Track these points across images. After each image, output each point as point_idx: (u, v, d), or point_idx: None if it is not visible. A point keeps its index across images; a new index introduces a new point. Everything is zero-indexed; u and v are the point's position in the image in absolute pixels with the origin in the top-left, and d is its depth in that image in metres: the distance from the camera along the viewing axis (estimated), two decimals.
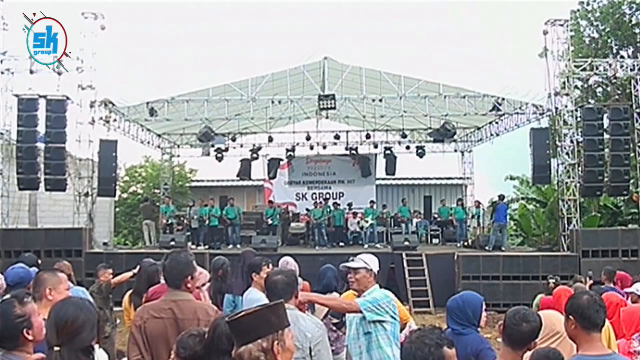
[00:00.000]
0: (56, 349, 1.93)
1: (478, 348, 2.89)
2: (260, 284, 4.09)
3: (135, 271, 5.98)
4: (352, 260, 3.66)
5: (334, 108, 13.69)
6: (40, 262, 6.20)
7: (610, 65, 13.20)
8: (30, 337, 2.26)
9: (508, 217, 16.76)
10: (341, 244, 15.50)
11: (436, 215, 17.93)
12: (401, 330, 4.28)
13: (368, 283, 3.54)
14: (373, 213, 15.54)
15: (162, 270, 3.00)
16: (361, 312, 3.39)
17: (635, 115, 12.88)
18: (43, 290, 2.96)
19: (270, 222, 15.47)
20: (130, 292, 5.25)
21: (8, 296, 3.54)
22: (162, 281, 4.30)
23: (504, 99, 13.89)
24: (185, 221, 15.55)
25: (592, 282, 7.23)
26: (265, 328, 1.81)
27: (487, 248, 13.48)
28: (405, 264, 12.27)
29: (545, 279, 9.68)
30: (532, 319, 2.58)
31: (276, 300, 3.00)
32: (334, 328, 4.15)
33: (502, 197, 14.60)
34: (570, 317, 2.54)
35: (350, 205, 17.08)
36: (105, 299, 6.05)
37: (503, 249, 13.70)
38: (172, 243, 12.76)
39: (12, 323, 2.25)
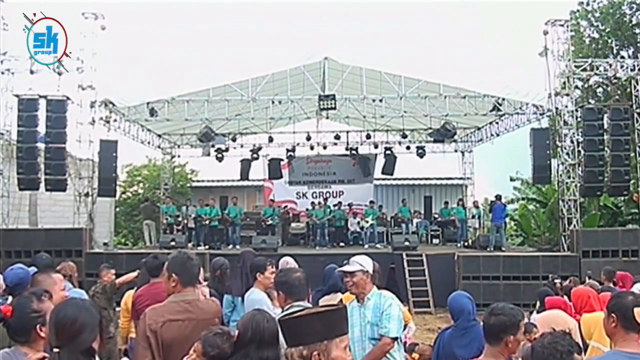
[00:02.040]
0: (55, 350, 1.93)
1: None
2: (265, 283, 4.07)
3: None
4: (346, 264, 3.59)
5: (334, 108, 13.70)
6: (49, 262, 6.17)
7: (610, 65, 13.20)
8: (43, 334, 2.29)
9: (507, 217, 16.79)
10: (341, 244, 15.50)
11: (436, 215, 17.94)
12: None
13: (366, 285, 3.51)
14: (373, 213, 15.54)
15: (189, 269, 2.84)
16: (396, 339, 3.37)
17: (635, 115, 12.87)
18: None
19: (269, 221, 15.43)
20: (133, 291, 5.22)
21: (9, 297, 3.56)
22: (152, 279, 4.29)
23: (504, 99, 13.89)
24: (185, 221, 15.54)
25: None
26: (308, 335, 1.76)
27: (487, 248, 13.47)
28: (405, 264, 12.27)
29: (545, 279, 9.70)
30: (500, 312, 2.60)
31: (295, 298, 3.04)
32: None
33: (498, 197, 14.60)
34: (613, 314, 2.57)
35: (350, 204, 17.10)
36: (109, 299, 6.05)
37: (503, 248, 13.70)
38: (172, 243, 12.77)
39: (26, 317, 2.30)
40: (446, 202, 17.61)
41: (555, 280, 7.41)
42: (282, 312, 3.13)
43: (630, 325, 2.53)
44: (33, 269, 4.21)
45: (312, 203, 16.46)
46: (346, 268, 3.53)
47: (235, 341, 2.29)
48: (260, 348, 2.20)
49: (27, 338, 2.30)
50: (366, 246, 14.75)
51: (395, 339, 3.36)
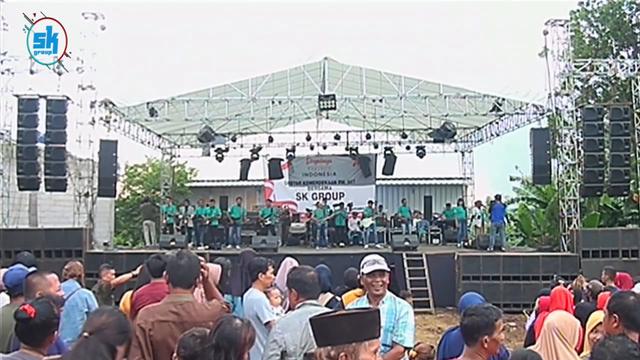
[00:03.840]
0: (85, 334, 2.04)
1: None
2: (265, 283, 4.08)
3: (135, 272, 5.97)
4: (367, 263, 3.37)
5: (334, 108, 13.69)
6: (37, 260, 6.19)
7: (610, 65, 13.21)
8: (53, 341, 2.39)
9: (507, 217, 16.79)
10: (341, 244, 15.49)
11: (436, 215, 17.93)
12: None
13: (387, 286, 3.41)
14: (369, 212, 15.55)
15: (175, 268, 2.87)
16: (408, 348, 3.30)
17: (635, 115, 12.87)
18: (33, 294, 2.97)
19: (267, 222, 15.37)
20: (131, 292, 5.21)
21: (7, 297, 3.56)
22: (153, 279, 4.29)
23: (504, 99, 13.89)
24: (185, 221, 15.53)
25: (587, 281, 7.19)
26: (336, 336, 1.76)
27: (487, 248, 13.47)
28: (405, 264, 12.25)
29: (545, 279, 9.71)
30: (472, 313, 2.54)
31: (308, 296, 3.04)
32: None
33: (498, 197, 14.60)
34: (614, 315, 2.57)
35: (350, 205, 17.09)
36: (106, 299, 6.05)
37: (503, 248, 13.70)
38: (172, 243, 12.76)
39: (50, 322, 2.39)
40: (448, 204, 17.60)
41: (560, 281, 7.37)
42: (294, 310, 3.11)
43: (632, 324, 2.54)
44: (33, 269, 4.22)
45: (317, 204, 16.39)
46: (382, 267, 3.32)
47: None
48: (210, 348, 2.20)
49: (40, 342, 2.35)
50: (366, 246, 14.74)
51: (408, 349, 3.29)
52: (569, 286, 7.12)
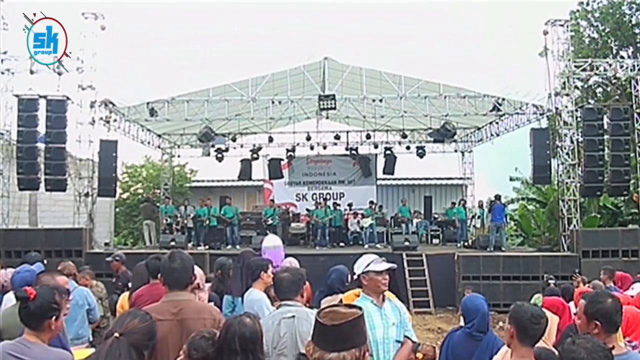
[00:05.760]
0: (116, 335, 2.12)
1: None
2: (267, 282, 4.10)
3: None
4: (373, 262, 3.34)
5: (334, 108, 13.69)
6: (45, 262, 6.20)
7: (610, 65, 13.21)
8: (53, 327, 2.46)
9: (507, 217, 16.78)
10: (341, 244, 15.50)
11: (437, 215, 17.91)
12: None
13: None
14: (369, 212, 15.55)
15: (168, 271, 2.87)
16: (415, 341, 3.35)
17: (635, 115, 12.88)
18: None
19: (269, 221, 15.41)
20: (128, 293, 5.20)
21: (11, 297, 3.59)
22: (152, 280, 4.28)
23: (504, 99, 13.89)
24: (185, 221, 15.53)
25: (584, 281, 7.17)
26: (360, 337, 1.81)
27: (487, 248, 13.47)
28: (405, 264, 12.26)
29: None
30: (544, 315, 2.64)
31: (282, 297, 3.09)
32: None
33: (498, 197, 14.59)
34: (596, 322, 2.53)
35: (350, 205, 17.09)
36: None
37: (503, 248, 13.70)
38: (172, 243, 12.74)
39: (47, 305, 2.46)
40: (453, 203, 17.51)
41: (550, 282, 7.35)
42: (275, 310, 3.19)
43: (614, 328, 2.56)
44: (38, 265, 4.26)
45: (316, 203, 16.39)
46: (388, 265, 3.34)
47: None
48: (231, 354, 2.23)
49: (38, 325, 2.43)
50: (366, 246, 14.73)
51: (414, 343, 3.31)
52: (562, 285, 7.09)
